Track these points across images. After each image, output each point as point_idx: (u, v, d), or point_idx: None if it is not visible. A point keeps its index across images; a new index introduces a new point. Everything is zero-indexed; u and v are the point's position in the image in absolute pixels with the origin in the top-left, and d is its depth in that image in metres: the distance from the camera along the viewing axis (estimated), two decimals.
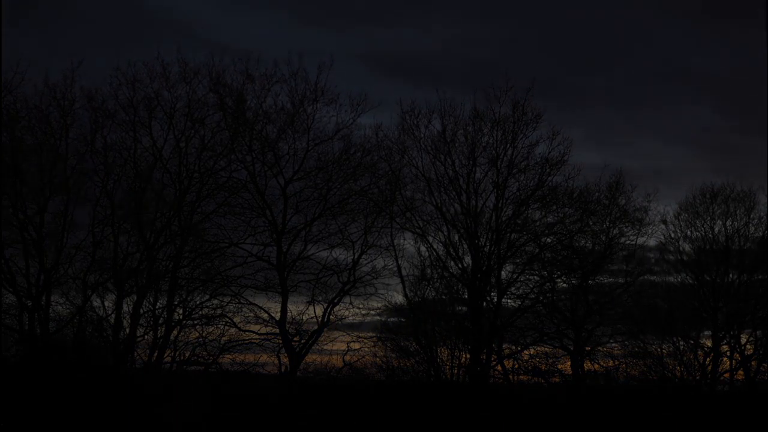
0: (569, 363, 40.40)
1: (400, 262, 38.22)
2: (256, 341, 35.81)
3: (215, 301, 35.49)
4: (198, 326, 35.07)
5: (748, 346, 41.47)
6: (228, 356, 35.21)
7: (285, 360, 35.84)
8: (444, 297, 39.10)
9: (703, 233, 41.99)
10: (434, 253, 38.79)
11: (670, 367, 40.79)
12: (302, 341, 36.21)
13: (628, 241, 40.78)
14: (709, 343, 41.18)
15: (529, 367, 40.07)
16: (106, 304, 33.82)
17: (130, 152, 34.22)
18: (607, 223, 40.38)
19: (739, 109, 76.61)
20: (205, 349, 34.84)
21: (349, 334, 37.36)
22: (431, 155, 38.43)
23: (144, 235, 33.87)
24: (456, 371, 37.85)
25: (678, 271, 42.63)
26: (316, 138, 36.14)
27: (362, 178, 36.96)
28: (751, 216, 41.76)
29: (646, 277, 42.10)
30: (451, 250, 38.68)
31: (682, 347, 40.83)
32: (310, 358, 36.88)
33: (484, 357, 37.91)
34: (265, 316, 35.94)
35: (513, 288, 39.57)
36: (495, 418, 35.27)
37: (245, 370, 35.54)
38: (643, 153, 66.44)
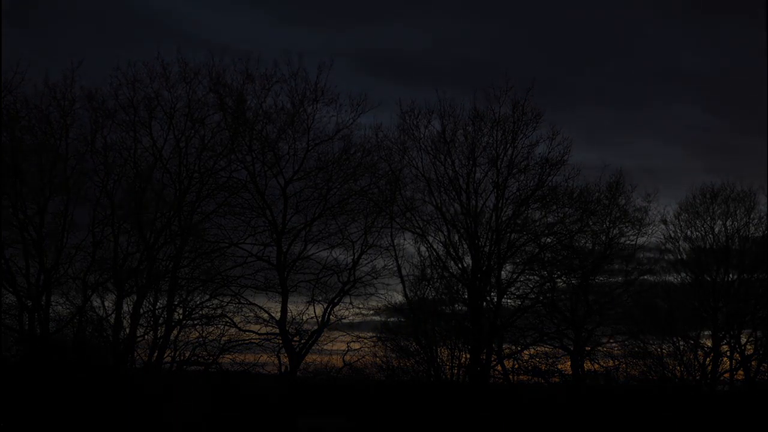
0: (569, 363, 40.40)
1: (400, 262, 38.32)
2: (256, 341, 35.83)
3: (215, 301, 35.53)
4: (198, 326, 35.09)
5: (748, 346, 41.48)
6: (228, 356, 35.23)
7: (285, 360, 35.85)
8: (444, 297, 39.10)
9: (703, 233, 42.00)
10: (434, 253, 38.84)
11: (670, 367, 40.80)
12: (302, 341, 36.21)
13: (628, 241, 40.81)
14: (709, 343, 41.17)
15: (529, 367, 40.08)
16: (106, 304, 33.90)
17: (130, 152, 34.23)
18: (607, 223, 40.39)
19: (731, 108, 76.74)
20: (205, 349, 34.86)
21: (349, 334, 37.42)
22: (431, 155, 38.48)
23: (144, 235, 33.87)
24: (456, 371, 37.86)
25: (678, 271, 42.64)
26: (316, 138, 36.18)
27: (362, 178, 37.02)
28: (751, 216, 41.79)
29: (646, 277, 42.11)
30: (451, 250, 38.69)
31: (682, 347, 40.84)
32: (310, 358, 36.95)
33: (484, 357, 37.91)
34: (265, 316, 36.00)
35: (513, 288, 39.59)
36: (495, 418, 35.30)
37: (245, 370, 35.56)
38: (635, 152, 66.64)
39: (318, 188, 36.35)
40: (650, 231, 41.29)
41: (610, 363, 41.18)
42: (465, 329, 37.94)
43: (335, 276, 36.90)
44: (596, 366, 40.92)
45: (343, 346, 37.20)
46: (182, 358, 34.51)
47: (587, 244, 40.33)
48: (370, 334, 38.23)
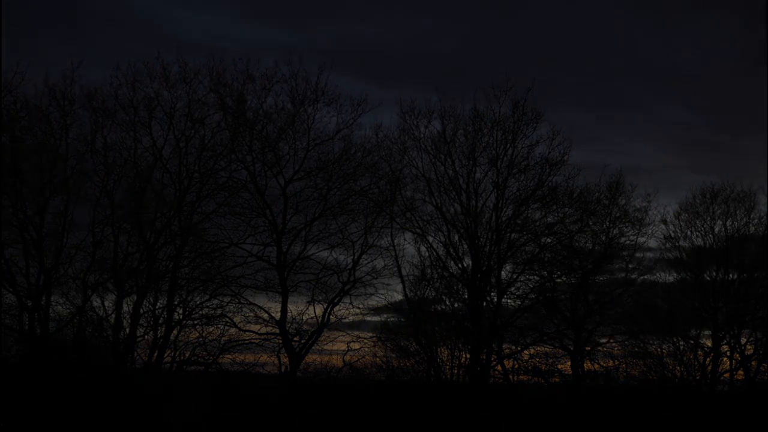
0: (569, 363, 40.41)
1: (400, 262, 38.31)
2: (256, 341, 35.84)
3: (215, 301, 35.53)
4: (198, 326, 35.09)
5: (748, 346, 41.47)
6: (228, 356, 35.24)
7: (285, 360, 35.87)
8: (444, 297, 39.12)
9: (703, 233, 42.00)
10: (434, 253, 38.84)
11: (670, 367, 40.79)
12: (302, 341, 36.22)
13: (628, 241, 40.81)
14: (709, 343, 41.17)
15: (529, 367, 40.08)
16: (106, 304, 33.88)
17: (130, 152, 34.22)
18: (607, 223, 40.39)
19: (713, 106, 76.85)
20: (205, 349, 34.86)
21: (349, 334, 37.42)
22: (431, 155, 38.49)
23: (144, 235, 33.87)
24: (456, 371, 37.86)
25: (678, 270, 42.62)
26: (317, 138, 36.18)
27: (362, 179, 37.03)
28: (751, 216, 41.79)
29: (646, 277, 42.13)
30: (451, 250, 38.70)
31: (682, 347, 40.83)
32: (310, 358, 36.94)
33: (484, 357, 37.92)
34: (265, 316, 36.01)
35: (513, 288, 39.60)
36: (495, 418, 35.29)
37: (245, 370, 35.56)
38: (617, 151, 66.62)
39: (318, 188, 36.38)
40: (650, 231, 41.36)
41: (610, 363, 41.19)
42: (465, 329, 37.95)
43: (335, 276, 36.95)
44: (596, 366, 40.94)
45: (343, 346, 37.27)
46: (182, 358, 34.51)
47: (587, 244, 40.35)
48: (370, 334, 38.27)
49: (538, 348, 40.55)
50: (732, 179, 42.85)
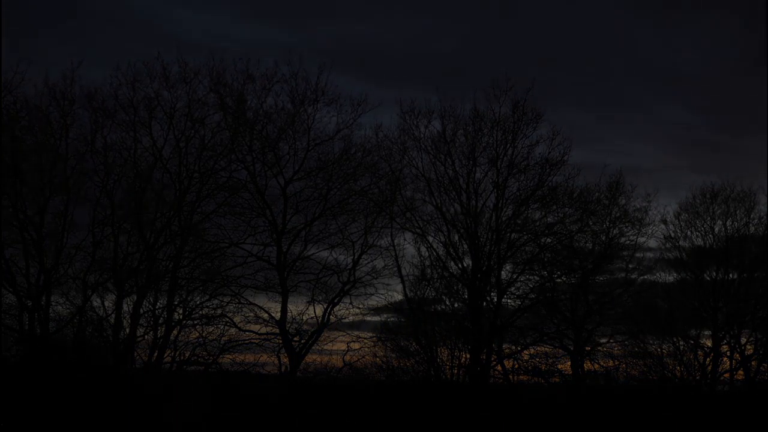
0: (569, 363, 40.41)
1: (400, 262, 38.31)
2: (256, 341, 35.84)
3: (215, 301, 35.53)
4: (198, 326, 35.09)
5: (748, 346, 41.46)
6: (228, 356, 35.24)
7: (285, 360, 35.87)
8: (444, 297, 39.12)
9: (703, 233, 42.00)
10: (434, 253, 38.83)
11: (670, 367, 40.78)
12: (302, 341, 36.22)
13: (628, 241, 40.81)
14: (709, 343, 41.17)
15: (529, 367, 40.07)
16: (106, 304, 33.87)
17: (130, 152, 34.23)
18: (607, 223, 40.39)
19: (712, 106, 76.88)
20: (205, 349, 34.86)
21: (349, 334, 37.42)
22: (431, 155, 38.49)
23: (144, 235, 33.87)
24: (456, 371, 37.86)
25: (678, 270, 42.62)
26: (317, 138, 36.19)
27: (362, 178, 37.04)
28: (751, 216, 41.79)
29: (646, 277, 42.13)
30: (451, 251, 38.70)
31: (682, 347, 40.83)
32: (310, 358, 36.95)
33: (484, 357, 37.92)
34: (265, 316, 36.02)
35: (513, 288, 39.60)
36: (495, 418, 35.28)
37: (245, 370, 35.56)
38: (616, 151, 66.62)
39: (318, 188, 36.39)
40: (650, 231, 41.36)
41: (610, 363, 41.19)
42: (465, 329, 37.95)
43: (335, 276, 36.95)
44: (596, 366, 40.94)
45: (343, 346, 37.26)
46: (182, 358, 34.51)
47: (587, 244, 40.35)
48: (370, 334, 38.26)
49: (538, 348, 40.56)
50: (732, 179, 42.89)
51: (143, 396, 31.38)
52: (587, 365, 40.60)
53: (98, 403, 30.47)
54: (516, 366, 39.94)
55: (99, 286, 33.57)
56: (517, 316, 39.40)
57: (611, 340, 41.19)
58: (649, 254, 42.42)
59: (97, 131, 33.76)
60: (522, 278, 39.71)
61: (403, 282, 38.35)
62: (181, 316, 34.68)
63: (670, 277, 43.07)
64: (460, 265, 38.79)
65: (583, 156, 66.12)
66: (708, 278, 41.76)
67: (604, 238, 40.27)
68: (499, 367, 39.24)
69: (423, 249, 38.80)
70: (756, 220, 41.74)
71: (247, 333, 35.85)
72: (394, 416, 34.65)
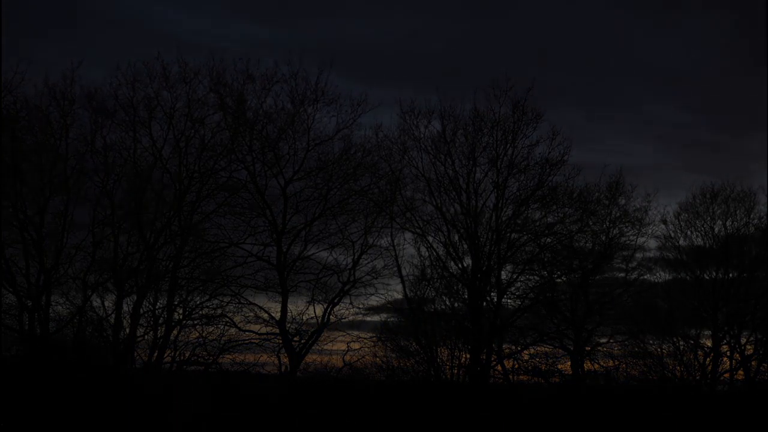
0: (569, 363, 40.40)
1: (400, 262, 38.32)
2: (256, 341, 35.84)
3: (215, 301, 35.53)
4: (198, 326, 35.10)
5: (748, 346, 41.44)
6: (228, 356, 35.24)
7: (285, 360, 35.87)
8: (444, 297, 39.12)
9: (703, 233, 42.00)
10: (434, 253, 38.83)
11: (670, 367, 40.77)
12: (302, 341, 36.23)
13: (628, 241, 40.81)
14: (709, 343, 41.16)
15: (529, 367, 40.07)
16: (106, 304, 33.88)
17: (130, 152, 34.24)
18: (607, 223, 40.39)
19: (704, 105, 76.91)
20: (205, 349, 34.87)
21: (349, 334, 37.43)
22: (431, 155, 38.48)
23: (144, 235, 33.88)
24: (456, 371, 37.86)
25: (678, 270, 42.61)
26: (317, 138, 36.20)
27: (362, 178, 37.04)
28: (751, 216, 41.78)
29: (646, 277, 42.13)
30: (451, 250, 38.69)
31: (682, 347, 40.82)
32: (310, 358, 36.97)
33: (484, 357, 37.91)
34: (265, 316, 36.03)
35: (513, 288, 39.60)
36: (495, 418, 35.28)
37: (245, 370, 35.56)
38: (615, 151, 66.63)
39: (318, 188, 36.40)
40: (650, 231, 41.36)
41: (610, 363, 41.18)
42: (465, 329, 37.95)
43: (335, 276, 36.97)
44: (596, 366, 40.94)
45: (343, 346, 37.27)
46: (182, 358, 34.52)
47: (587, 244, 40.35)
48: (370, 334, 38.27)
49: (538, 348, 40.56)
50: (732, 179, 42.94)
51: (143, 396, 31.38)
52: (587, 365, 40.61)
53: (98, 403, 30.48)
54: (516, 366, 39.95)
55: (99, 286, 33.58)
56: (517, 316, 39.40)
57: (611, 340, 41.19)
58: (649, 254, 42.50)
59: (97, 131, 33.80)
60: (522, 278, 39.73)
61: (403, 282, 38.42)
62: (181, 316, 34.69)
63: (670, 277, 43.11)
64: (460, 265, 38.81)
65: (580, 156, 65.99)
66: (708, 278, 41.74)
67: (604, 238, 40.28)
68: (499, 367, 39.24)
69: (423, 249, 38.87)
70: (756, 220, 41.77)
71: (247, 333, 35.88)
72: (394, 416, 34.65)
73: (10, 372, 31.11)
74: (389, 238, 38.01)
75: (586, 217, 39.55)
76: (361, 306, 37.57)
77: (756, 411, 37.63)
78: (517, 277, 39.56)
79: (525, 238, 39.09)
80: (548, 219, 39.28)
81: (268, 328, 36.07)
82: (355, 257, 37.15)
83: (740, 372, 41.36)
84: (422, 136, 38.46)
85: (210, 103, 34.90)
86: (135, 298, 33.71)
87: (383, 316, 39.35)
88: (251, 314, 35.95)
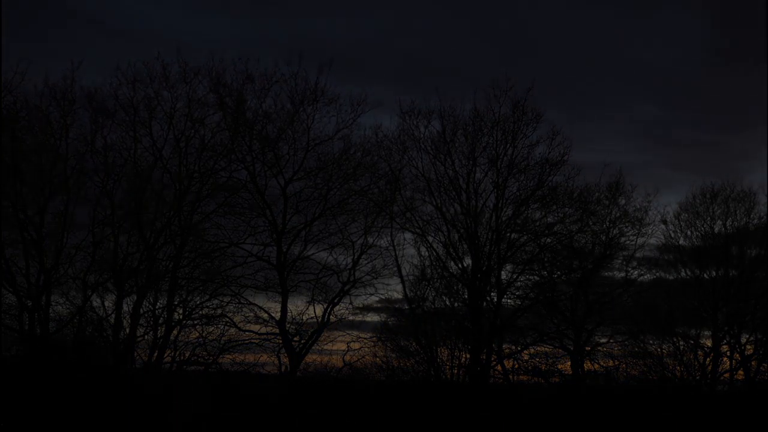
0: (569, 363, 40.40)
1: (400, 262, 38.31)
2: (256, 341, 35.84)
3: (215, 301, 35.53)
4: (198, 326, 35.09)
5: (748, 346, 41.45)
6: (228, 356, 35.24)
7: (285, 360, 35.88)
8: (444, 297, 39.12)
9: (703, 233, 42.00)
10: (434, 253, 38.83)
11: (670, 367, 40.78)
12: (302, 341, 36.23)
13: (628, 241, 40.81)
14: (709, 343, 41.16)
15: (529, 367, 40.08)
16: (106, 304, 33.87)
17: (130, 152, 34.23)
18: (607, 223, 40.40)
19: (687, 103, 76.95)
20: (205, 349, 34.87)
21: (349, 334, 37.44)
22: (431, 155, 38.48)
23: (144, 235, 33.88)
24: (456, 371, 37.86)
25: (678, 270, 42.61)
26: (316, 138, 36.18)
27: (362, 178, 37.04)
28: (751, 216, 41.79)
29: (646, 277, 42.13)
30: (451, 250, 38.69)
31: (682, 347, 40.82)
32: (310, 358, 36.97)
33: (484, 357, 37.92)
34: (265, 316, 36.03)
35: (513, 288, 39.60)
36: (495, 418, 35.28)
37: (245, 370, 35.56)
38: (598, 149, 66.65)
39: (318, 188, 36.40)
40: (650, 231, 41.36)
41: (610, 363, 41.19)
42: (465, 329, 37.95)
43: (335, 276, 36.96)
44: (596, 366, 40.95)
45: (343, 346, 37.28)
46: (182, 358, 34.52)
47: (587, 245, 40.34)
48: (370, 334, 38.29)
49: (538, 348, 40.56)
50: (732, 179, 42.94)
51: (143, 396, 31.38)
52: (587, 365, 40.61)
53: (98, 403, 30.48)
54: (516, 366, 39.95)
55: (99, 286, 33.57)
56: (517, 316, 39.40)
57: (611, 340, 41.20)
58: (649, 254, 42.49)
59: (97, 131, 33.78)
60: (522, 278, 39.74)
61: (403, 282, 38.42)
62: (181, 316, 34.69)
63: (670, 277, 43.09)
64: (460, 265, 38.81)
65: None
66: (708, 278, 41.74)
67: (604, 238, 40.28)
68: (499, 367, 39.25)
69: (423, 249, 38.87)
70: (756, 220, 41.77)
71: (247, 333, 35.87)
72: (394, 416, 34.65)
73: (10, 372, 31.11)
74: (389, 238, 38.09)
75: (586, 217, 39.56)
76: (361, 306, 37.64)
77: (756, 411, 37.63)
78: (517, 277, 39.58)
79: (525, 238, 39.09)
80: (548, 219, 39.33)
81: (268, 328, 36.09)
82: (355, 257, 37.18)
83: (740, 372, 41.37)
84: (422, 136, 38.52)
85: (210, 103, 34.94)
86: (135, 298, 33.71)
87: (383, 316, 39.43)
88: (251, 314, 36.01)
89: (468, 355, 37.89)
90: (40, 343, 32.03)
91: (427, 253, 38.79)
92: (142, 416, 31.01)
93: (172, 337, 34.43)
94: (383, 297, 37.88)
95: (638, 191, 40.76)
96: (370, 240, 37.28)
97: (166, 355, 34.23)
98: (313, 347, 36.52)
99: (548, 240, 39.38)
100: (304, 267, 36.79)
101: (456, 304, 39.09)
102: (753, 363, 41.15)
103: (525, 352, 40.17)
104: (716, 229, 41.80)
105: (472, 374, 37.49)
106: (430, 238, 38.82)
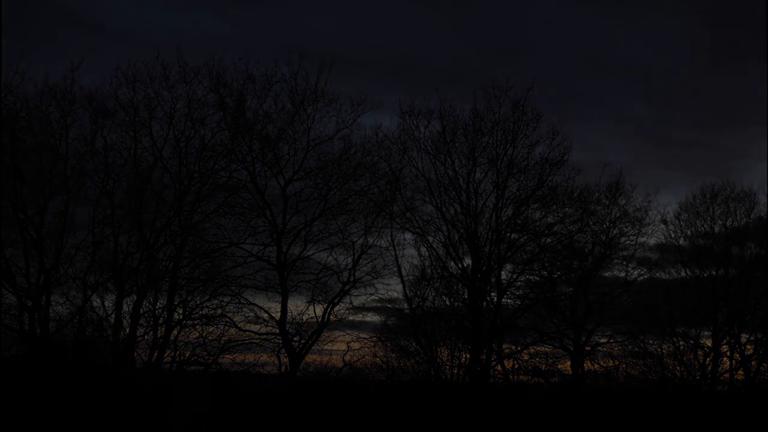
0: (569, 363, 40.41)
1: (400, 262, 38.32)
2: (256, 341, 35.84)
3: (215, 301, 35.54)
4: (198, 326, 35.09)
5: (748, 346, 41.46)
6: (228, 356, 35.25)
7: (285, 360, 35.87)
8: (444, 297, 39.12)
9: (703, 233, 42.01)
10: (434, 253, 38.84)
11: (670, 367, 40.79)
12: (302, 341, 36.23)
13: (628, 241, 40.82)
14: (709, 343, 41.17)
15: (529, 367, 40.09)
16: (106, 304, 33.87)
17: (130, 152, 34.23)
18: (607, 223, 40.41)
19: (675, 101, 76.88)
20: (205, 349, 34.87)
21: (349, 334, 37.45)
22: (431, 155, 38.49)
23: (144, 235, 33.88)
24: (456, 371, 37.87)
25: (678, 270, 42.63)
26: (317, 138, 36.20)
27: (362, 178, 37.04)
28: (751, 216, 41.80)
29: (646, 276, 42.13)
30: (451, 250, 38.70)
31: (682, 347, 40.83)
32: (310, 358, 36.97)
33: (484, 357, 37.92)
34: (265, 316, 36.03)
35: (513, 288, 39.60)
36: (495, 418, 35.29)
37: (245, 370, 35.56)
38: (588, 147, 66.59)
39: (318, 188, 36.40)
40: (650, 231, 41.37)
41: (610, 363, 41.20)
42: (465, 329, 37.96)
43: (335, 276, 36.97)
44: (596, 366, 40.95)
45: (343, 346, 37.28)
46: (182, 358, 34.52)
47: (587, 245, 40.35)
48: (370, 334, 38.31)
49: (538, 348, 40.57)
50: (732, 179, 43.01)
51: (143, 396, 31.38)
52: (587, 365, 40.62)
53: (98, 403, 30.48)
54: (516, 366, 39.97)
55: (99, 286, 33.57)
56: (517, 316, 39.40)
57: (611, 340, 41.22)
58: (649, 254, 42.50)
59: (97, 131, 33.78)
60: (522, 278, 39.76)
61: (403, 282, 38.43)
62: (181, 316, 34.69)
63: (670, 277, 43.10)
64: (460, 265, 38.81)
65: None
66: (708, 278, 41.74)
67: (604, 238, 40.29)
68: (499, 367, 39.26)
69: (423, 249, 38.89)
70: (756, 220, 41.76)
71: (247, 333, 35.87)
72: (394, 416, 34.65)
73: (10, 372, 31.11)
74: (389, 238, 38.09)
75: (586, 217, 39.57)
76: (361, 306, 37.64)
77: (756, 411, 37.63)
78: (517, 277, 39.59)
79: (525, 238, 39.09)
80: (548, 219, 39.35)
81: (268, 328, 36.09)
82: (355, 257, 37.18)
83: (740, 372, 41.38)
84: (422, 136, 38.54)
85: (210, 103, 34.94)
86: (135, 298, 33.71)
87: (383, 316, 39.42)
88: (251, 314, 36.01)
89: (468, 355, 37.90)
90: (40, 343, 32.03)
91: (427, 253, 38.87)
92: (142, 416, 31.01)
93: (172, 337, 34.44)
94: (383, 297, 37.96)
95: (638, 191, 40.86)
96: (370, 240, 37.35)
97: (166, 355, 34.23)
98: (313, 347, 36.54)
99: (548, 240, 39.41)
100: (304, 267, 36.83)
101: (456, 304, 39.10)
102: (753, 363, 41.17)
103: (525, 352, 40.19)
104: (716, 229, 41.83)
105: (472, 374, 37.49)
106: (430, 238, 38.90)
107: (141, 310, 33.80)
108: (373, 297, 37.63)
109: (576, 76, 72.82)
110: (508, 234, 38.75)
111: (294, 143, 35.94)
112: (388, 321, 39.20)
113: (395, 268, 38.11)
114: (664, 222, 41.97)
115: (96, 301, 33.73)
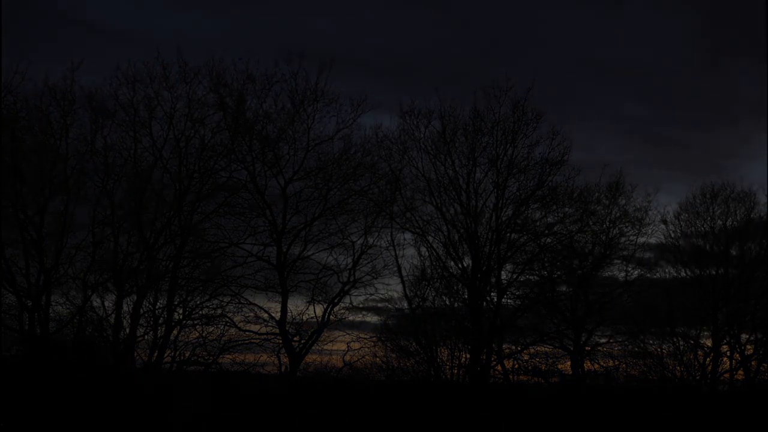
0: (569, 363, 40.41)
1: (400, 262, 38.32)
2: (256, 341, 35.84)
3: (215, 301, 35.54)
4: (198, 326, 35.10)
5: (748, 346, 41.46)
6: (228, 356, 35.26)
7: (285, 360, 35.88)
8: (444, 297, 39.13)
9: (703, 233, 42.01)
10: (434, 253, 38.85)
11: (670, 367, 40.79)
12: (302, 341, 36.23)
13: (628, 241, 40.82)
14: (709, 343, 41.17)
15: (529, 367, 40.09)
16: (106, 304, 33.88)
17: (130, 152, 34.24)
18: (607, 223, 40.41)
19: (665, 99, 76.86)
20: (205, 349, 34.88)
21: (349, 334, 37.45)
22: (431, 155, 38.50)
23: (144, 235, 33.88)
24: (456, 371, 37.87)
25: (678, 270, 42.63)
26: (317, 138, 36.21)
27: (362, 178, 37.05)
28: (751, 216, 41.80)
29: (646, 276, 42.11)
30: (451, 250, 38.70)
31: (682, 347, 40.83)
32: (310, 358, 36.98)
33: (484, 357, 37.92)
34: (265, 316, 36.04)
35: (513, 288, 39.61)
36: (495, 418, 35.29)
37: (245, 370, 35.57)
38: (581, 147, 66.28)
39: (318, 188, 36.41)
40: (650, 231, 41.38)
41: (610, 363, 41.21)
42: (465, 329, 37.96)
43: (335, 276, 36.98)
44: (596, 366, 40.96)
45: (343, 346, 37.29)
46: (182, 358, 34.53)
47: (587, 245, 40.36)
48: (370, 334, 38.32)
49: (538, 348, 40.57)
50: (732, 179, 43.08)
51: (143, 396, 31.38)
52: (587, 365, 40.62)
53: (98, 403, 30.48)
54: (516, 366, 39.96)
55: (99, 286, 33.58)
56: (517, 316, 39.40)
57: (611, 340, 41.22)
58: (649, 254, 42.50)
59: (97, 131, 33.80)
60: (522, 278, 39.76)
61: (403, 282, 38.44)
62: (181, 316, 34.70)
63: (670, 277, 43.09)
64: (460, 265, 38.81)
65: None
66: (708, 278, 41.75)
67: (604, 238, 40.29)
68: (499, 367, 39.26)
69: (423, 249, 38.89)
70: (756, 220, 41.76)
71: (247, 333, 35.87)
72: (394, 416, 34.66)
73: (10, 372, 31.12)
74: (389, 238, 38.10)
75: (586, 217, 39.57)
76: (361, 306, 37.65)
77: (756, 411, 37.63)
78: (517, 277, 39.60)
79: (525, 238, 39.10)
80: (548, 219, 39.35)
81: (268, 328, 36.10)
82: (355, 257, 37.19)
83: (740, 372, 41.38)
84: (422, 136, 38.55)
85: (210, 103, 34.95)
86: (135, 298, 33.72)
87: (383, 316, 39.44)
88: (251, 314, 36.02)
89: (468, 355, 37.90)
90: (40, 343, 32.04)
91: (427, 253, 38.87)
92: (142, 416, 31.01)
93: (172, 337, 34.44)
94: (383, 297, 37.96)
95: (638, 191, 40.87)
96: (370, 240, 37.35)
97: (166, 355, 34.24)
98: (313, 347, 36.55)
99: (548, 240, 39.41)
100: (304, 267, 36.84)
101: (456, 304, 39.11)
102: (753, 363, 41.16)
103: (525, 352, 40.18)
104: (716, 229, 41.82)
105: (472, 374, 37.50)
106: (430, 238, 38.90)
107: (141, 310, 33.82)
108: (373, 297, 37.73)
109: (576, 76, 72.87)
110: (508, 234, 38.76)
111: (294, 143, 36.00)
112: (388, 321, 39.26)
113: (395, 268, 38.18)
114: (664, 222, 42.04)
115: (96, 301, 33.80)
